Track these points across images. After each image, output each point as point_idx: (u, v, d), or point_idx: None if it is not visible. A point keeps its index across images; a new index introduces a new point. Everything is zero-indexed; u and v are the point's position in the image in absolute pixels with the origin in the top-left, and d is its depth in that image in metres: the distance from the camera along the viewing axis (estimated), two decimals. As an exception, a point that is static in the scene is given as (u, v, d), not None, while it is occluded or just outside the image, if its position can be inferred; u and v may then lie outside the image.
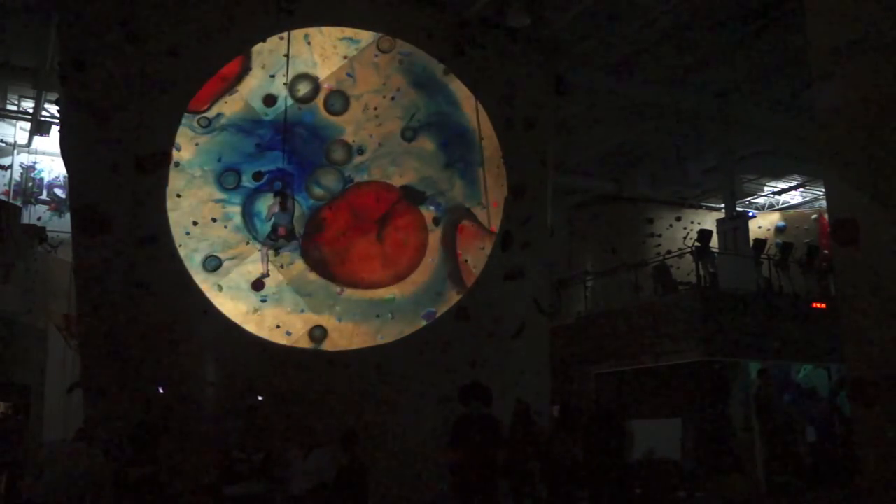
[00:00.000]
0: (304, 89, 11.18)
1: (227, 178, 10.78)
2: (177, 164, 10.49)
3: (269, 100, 10.97)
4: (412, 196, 11.65)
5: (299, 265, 11.03)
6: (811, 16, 4.10)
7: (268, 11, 10.44)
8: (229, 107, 10.79)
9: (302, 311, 10.99)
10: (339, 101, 11.36)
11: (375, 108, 11.54)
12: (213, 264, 10.50)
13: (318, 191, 11.20)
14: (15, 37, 12.74)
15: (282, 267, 11.04)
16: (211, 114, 10.67)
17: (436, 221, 11.68)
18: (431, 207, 11.77)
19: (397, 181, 11.65)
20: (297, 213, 10.94)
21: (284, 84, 11.03)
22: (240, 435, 8.37)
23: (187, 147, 10.63)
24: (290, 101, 11.02)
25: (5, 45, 12.95)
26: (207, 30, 10.18)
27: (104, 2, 9.80)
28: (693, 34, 13.21)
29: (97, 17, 9.70)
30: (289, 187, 10.76)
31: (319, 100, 11.28)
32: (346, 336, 11.15)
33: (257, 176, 10.86)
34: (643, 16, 12.35)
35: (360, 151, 11.46)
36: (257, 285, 10.67)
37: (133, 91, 9.62)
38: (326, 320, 11.10)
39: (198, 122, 10.61)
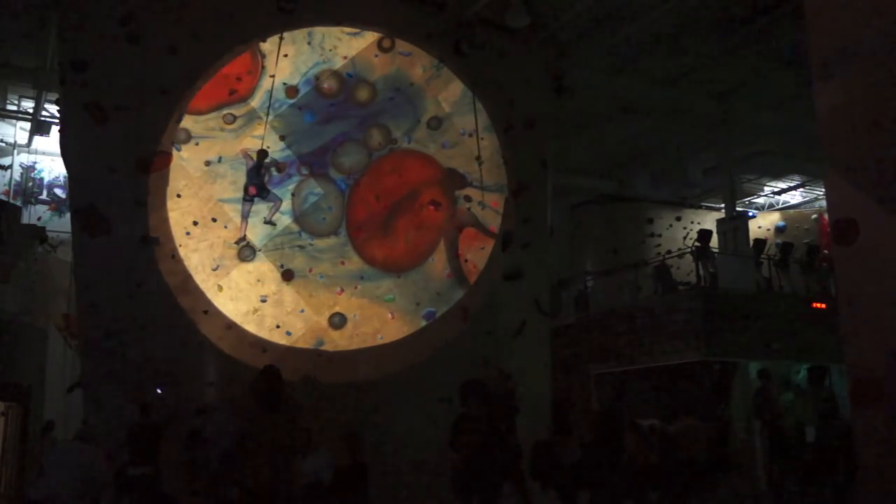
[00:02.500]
0: (329, 82, 11.36)
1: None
2: (207, 164, 10.60)
3: (291, 91, 11.10)
4: (454, 179, 11.72)
5: (306, 263, 11.11)
6: (811, 16, 4.09)
7: (267, 11, 10.44)
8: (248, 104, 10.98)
9: (302, 311, 10.99)
10: (365, 90, 11.58)
11: (392, 98, 11.63)
12: (248, 254, 10.75)
13: (344, 166, 11.47)
14: (15, 37, 12.74)
15: (282, 267, 11.05)
16: (238, 111, 10.78)
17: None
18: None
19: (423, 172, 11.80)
20: (329, 189, 11.29)
21: (284, 84, 11.06)
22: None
23: (188, 147, 10.65)
24: (307, 92, 11.28)
25: (5, 45, 12.94)
26: (207, 30, 10.18)
27: (104, 2, 9.79)
28: (693, 34, 13.20)
29: (97, 17, 9.69)
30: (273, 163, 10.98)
31: (343, 90, 11.50)
32: (346, 336, 11.15)
33: (280, 167, 11.12)
34: (643, 16, 12.34)
35: (394, 140, 11.71)
36: (288, 276, 10.85)
37: (133, 91, 9.61)
38: (326, 320, 11.12)
39: (223, 118, 10.70)
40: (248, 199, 10.74)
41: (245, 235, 10.77)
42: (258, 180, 10.76)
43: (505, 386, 8.94)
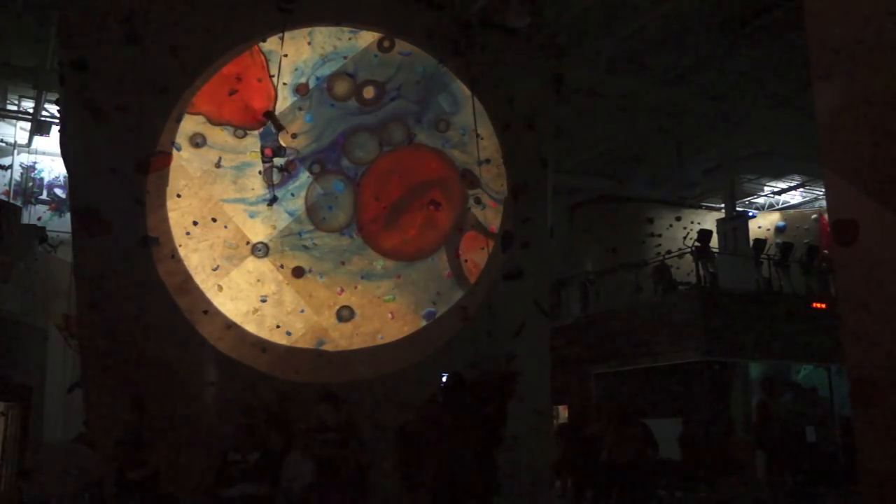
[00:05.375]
0: (339, 85, 11.42)
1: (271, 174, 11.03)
2: (218, 166, 10.62)
3: (302, 88, 11.15)
4: (467, 179, 11.75)
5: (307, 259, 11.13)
6: (811, 16, 4.09)
7: (267, 11, 10.44)
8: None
9: (302, 311, 10.99)
10: (373, 89, 11.60)
11: (394, 98, 11.67)
12: (262, 251, 10.87)
13: (357, 155, 11.53)
14: (15, 37, 12.76)
15: (281, 267, 11.05)
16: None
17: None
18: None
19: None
20: (340, 185, 11.38)
21: (284, 84, 11.06)
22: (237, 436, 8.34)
23: (187, 147, 10.66)
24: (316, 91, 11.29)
25: (5, 45, 12.96)
26: (207, 30, 10.18)
27: (104, 2, 9.79)
28: (692, 34, 13.21)
29: (97, 17, 9.69)
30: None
31: (353, 91, 11.53)
32: (346, 336, 11.15)
33: (291, 165, 11.16)
34: (643, 16, 12.35)
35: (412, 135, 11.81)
36: (297, 273, 10.97)
37: (133, 91, 9.61)
38: (326, 320, 11.11)
39: (235, 133, 10.88)
40: (266, 160, 10.76)
41: (276, 196, 10.88)
42: (273, 142, 10.75)
43: (505, 368, 8.91)
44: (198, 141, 10.71)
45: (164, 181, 10.26)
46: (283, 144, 10.98)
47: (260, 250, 10.93)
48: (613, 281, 16.44)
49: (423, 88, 11.82)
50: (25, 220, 14.57)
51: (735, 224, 15.93)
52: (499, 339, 11.29)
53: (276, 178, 11.09)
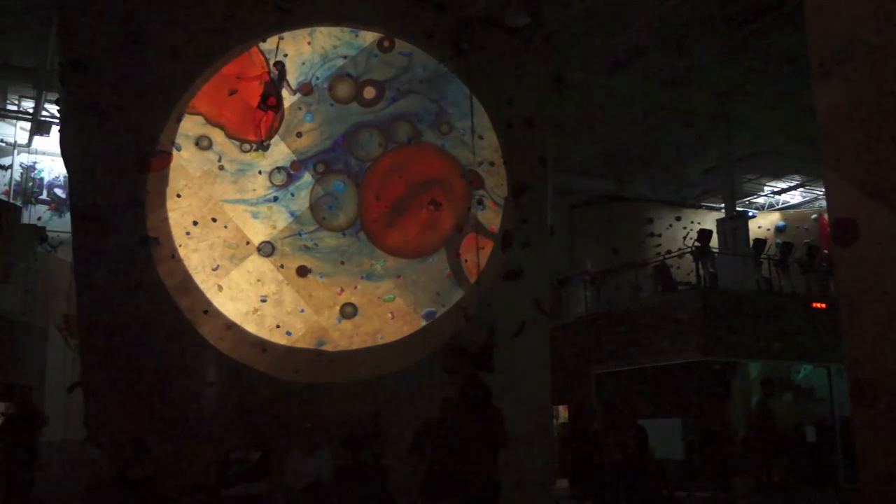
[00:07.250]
0: (341, 87, 11.41)
1: (276, 175, 11.04)
2: (221, 168, 10.61)
3: (304, 87, 11.15)
4: (472, 180, 11.75)
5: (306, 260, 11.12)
6: (811, 16, 4.09)
7: (267, 11, 10.44)
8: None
9: (302, 311, 10.99)
10: (373, 89, 11.56)
11: (395, 99, 11.66)
12: (267, 250, 10.89)
13: (360, 153, 11.55)
14: (15, 37, 12.76)
15: (282, 267, 11.05)
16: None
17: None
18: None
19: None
20: (344, 185, 11.35)
21: (286, 83, 11.06)
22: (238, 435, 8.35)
23: (187, 147, 10.66)
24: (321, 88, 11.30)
25: (5, 45, 12.97)
26: (207, 30, 10.18)
27: (104, 2, 9.79)
28: (693, 34, 13.21)
29: (97, 17, 9.69)
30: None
31: (355, 92, 11.49)
32: (346, 336, 11.15)
33: (295, 166, 11.14)
34: (643, 16, 12.35)
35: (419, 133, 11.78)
36: (301, 272, 10.98)
37: (133, 91, 9.61)
38: (326, 320, 11.12)
39: (240, 148, 10.90)
40: (262, 107, 10.62)
41: (265, 138, 10.84)
42: (277, 92, 10.65)
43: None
44: (203, 143, 10.71)
45: (164, 181, 10.26)
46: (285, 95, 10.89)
47: (262, 249, 10.95)
48: (613, 281, 16.44)
49: (426, 88, 11.81)
50: (25, 220, 14.58)
51: (735, 224, 15.94)
52: (499, 339, 11.30)
53: (279, 179, 11.09)
